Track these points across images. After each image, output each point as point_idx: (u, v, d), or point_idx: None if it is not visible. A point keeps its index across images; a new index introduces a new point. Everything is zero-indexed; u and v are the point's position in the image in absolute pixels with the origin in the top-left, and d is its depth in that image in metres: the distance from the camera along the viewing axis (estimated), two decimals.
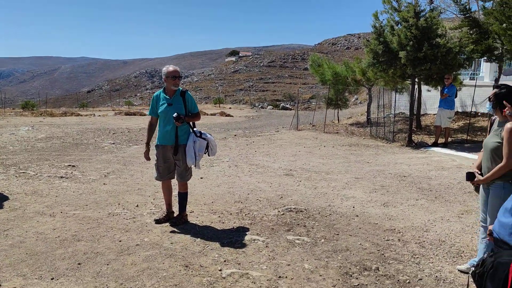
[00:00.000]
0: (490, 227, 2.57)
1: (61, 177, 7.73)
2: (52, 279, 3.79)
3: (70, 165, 8.76)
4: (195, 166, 5.20)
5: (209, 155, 5.35)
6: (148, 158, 5.45)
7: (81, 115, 26.10)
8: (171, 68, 5.16)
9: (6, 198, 6.29)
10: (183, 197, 5.40)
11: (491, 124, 3.91)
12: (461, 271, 4.08)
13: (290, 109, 47.34)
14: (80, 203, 6.16)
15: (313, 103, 46.85)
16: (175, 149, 5.17)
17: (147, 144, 5.42)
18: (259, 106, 55.57)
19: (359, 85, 19.04)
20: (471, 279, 2.13)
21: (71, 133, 14.78)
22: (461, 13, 12.63)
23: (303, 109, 34.89)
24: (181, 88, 5.24)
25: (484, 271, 1.89)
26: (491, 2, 12.20)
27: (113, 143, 12.44)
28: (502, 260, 1.75)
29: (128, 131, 15.88)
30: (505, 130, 3.35)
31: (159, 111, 5.20)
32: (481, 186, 3.89)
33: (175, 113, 4.98)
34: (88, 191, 6.84)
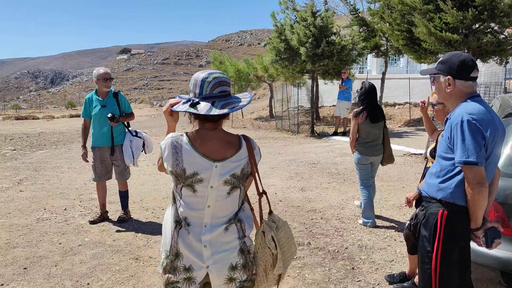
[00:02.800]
0: (407, 195, 3.21)
1: None
2: (1, 285, 3.76)
3: None
4: (134, 164, 5.34)
5: (145, 153, 5.52)
6: (86, 160, 5.43)
7: None
8: (101, 70, 5.24)
9: None
10: (125, 195, 5.53)
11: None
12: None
13: None
14: (2, 211, 5.92)
15: None
16: (112, 150, 5.26)
17: (84, 147, 5.40)
18: (158, 104, 54.74)
19: (261, 81, 19.92)
20: (406, 230, 2.71)
21: None
22: (351, 12, 13.93)
23: None
24: (113, 89, 5.34)
25: (417, 222, 2.46)
26: (376, 3, 13.62)
27: (14, 149, 11.72)
28: (432, 211, 2.32)
29: (27, 136, 14.97)
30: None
31: (93, 113, 5.24)
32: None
33: (110, 114, 5.07)
34: (5, 199, 6.56)
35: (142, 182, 7.70)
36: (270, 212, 2.12)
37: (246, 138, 2.01)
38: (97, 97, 5.27)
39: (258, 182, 2.03)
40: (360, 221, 5.32)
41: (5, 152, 11.34)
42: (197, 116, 1.93)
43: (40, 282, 3.81)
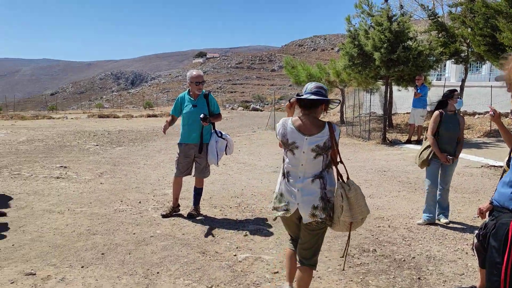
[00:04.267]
0: (481, 206, 3.08)
1: (57, 177, 7.90)
2: (82, 267, 4.08)
3: (62, 166, 8.92)
4: (216, 164, 5.59)
5: (227, 154, 5.75)
6: (164, 132, 5.64)
7: (53, 118, 25.80)
8: (194, 73, 5.57)
9: (10, 198, 6.46)
10: (199, 193, 5.79)
11: None
12: (419, 224, 5.50)
13: (261, 110, 47.93)
14: (84, 201, 6.40)
15: (283, 103, 47.52)
16: (200, 148, 5.52)
17: (167, 125, 5.59)
18: (230, 108, 55.95)
19: (333, 86, 19.74)
20: (475, 240, 2.61)
21: (51, 135, 14.76)
22: (429, 17, 13.44)
23: (275, 110, 35.46)
24: (204, 91, 5.63)
25: (486, 232, 2.36)
26: (458, 7, 13.03)
27: (96, 145, 12.57)
28: (503, 221, 2.21)
29: (108, 133, 15.97)
30: None
31: (184, 112, 5.56)
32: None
33: (202, 114, 5.34)
34: (87, 190, 7.07)
35: (212, 181, 7.94)
36: (348, 178, 2.97)
37: (329, 123, 2.97)
38: (189, 97, 5.60)
39: (337, 154, 2.96)
40: (420, 221, 5.56)
41: (89, 147, 12.19)
42: (299, 105, 2.99)
43: (116, 267, 4.08)
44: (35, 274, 3.91)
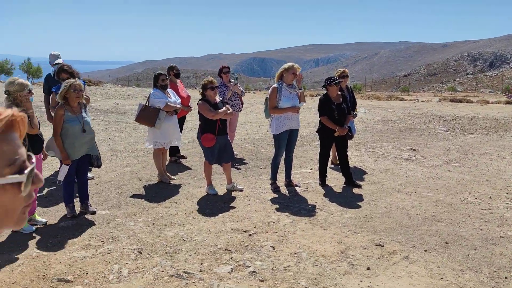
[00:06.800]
0: None
1: (406, 159, 8.29)
2: (425, 251, 4.23)
3: (411, 149, 9.27)
4: None
5: None
6: None
7: (405, 100, 26.80)
8: None
9: (364, 173, 7.24)
10: None
11: None
12: None
13: None
14: (430, 186, 6.50)
15: None
16: None
17: None
18: None
19: None
20: None
21: (402, 117, 15.46)
22: None
23: None
24: None
25: None
26: None
27: (446, 131, 12.37)
28: None
29: (459, 119, 15.42)
30: None
31: None
32: None
33: None
34: (434, 176, 7.13)
35: None
36: None
37: None
38: None
39: None
40: None
41: (438, 132, 12.14)
42: None
43: (459, 260, 4.04)
44: (383, 246, 4.32)
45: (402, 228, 4.80)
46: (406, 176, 7.06)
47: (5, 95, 4.53)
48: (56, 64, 6.69)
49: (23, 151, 0.87)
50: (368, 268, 3.86)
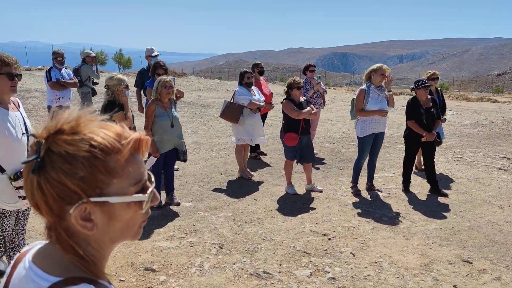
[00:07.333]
0: None
1: (499, 168, 7.73)
2: None
3: (504, 157, 8.63)
4: None
5: None
6: None
7: (498, 102, 24.98)
8: None
9: (451, 181, 6.87)
10: None
11: None
12: None
13: None
14: None
15: None
16: None
17: None
18: None
19: None
20: None
21: (495, 121, 14.43)
22: None
23: None
24: None
25: None
26: None
27: None
28: None
29: None
30: None
31: None
32: None
33: None
34: None
35: None
36: None
37: None
38: None
39: None
40: None
41: None
42: None
43: None
44: (471, 263, 4.08)
45: (494, 245, 4.50)
46: (499, 187, 6.60)
47: (105, 89, 4.86)
48: (154, 56, 7.17)
49: (145, 171, 0.93)
50: (454, 286, 3.66)
